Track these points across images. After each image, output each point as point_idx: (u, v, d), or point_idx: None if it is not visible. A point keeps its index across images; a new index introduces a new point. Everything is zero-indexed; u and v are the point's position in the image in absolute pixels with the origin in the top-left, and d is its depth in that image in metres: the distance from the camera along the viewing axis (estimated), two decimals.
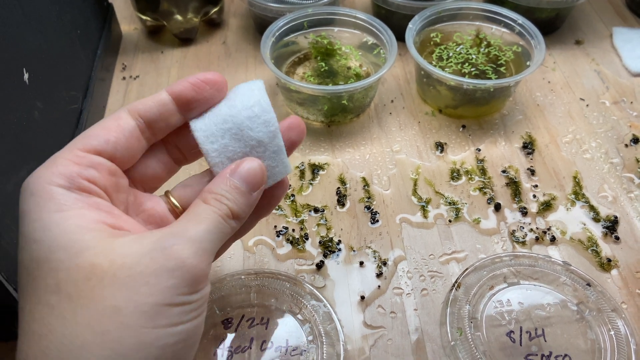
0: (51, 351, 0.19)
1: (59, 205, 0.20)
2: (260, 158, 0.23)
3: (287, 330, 0.34)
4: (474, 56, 0.48)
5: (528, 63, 0.46)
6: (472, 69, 0.47)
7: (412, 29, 0.48)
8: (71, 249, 0.20)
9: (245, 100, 0.23)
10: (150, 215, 0.25)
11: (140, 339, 0.20)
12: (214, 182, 0.23)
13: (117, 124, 0.23)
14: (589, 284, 0.36)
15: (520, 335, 0.34)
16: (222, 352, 0.33)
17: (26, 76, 0.34)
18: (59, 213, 0.20)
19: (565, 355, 0.33)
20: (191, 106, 0.24)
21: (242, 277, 0.37)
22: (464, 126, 0.47)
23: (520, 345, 0.33)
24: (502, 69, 0.47)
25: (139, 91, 0.51)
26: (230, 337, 0.34)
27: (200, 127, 0.23)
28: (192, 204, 0.23)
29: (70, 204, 0.21)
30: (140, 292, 0.20)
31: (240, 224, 0.24)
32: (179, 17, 0.54)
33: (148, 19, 0.55)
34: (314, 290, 0.36)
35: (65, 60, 0.42)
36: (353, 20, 0.50)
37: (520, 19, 0.49)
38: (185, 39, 0.56)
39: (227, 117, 0.23)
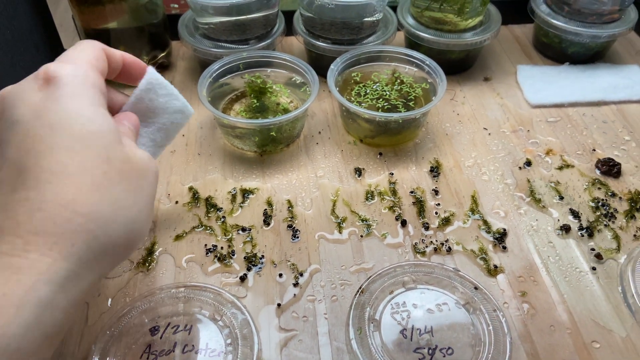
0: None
1: (103, 104, 0.30)
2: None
3: (208, 335, 0.38)
4: (387, 92, 0.55)
5: (433, 98, 0.53)
6: (385, 104, 0.54)
7: (333, 70, 0.55)
8: (116, 134, 0.30)
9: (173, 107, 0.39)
10: None
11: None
12: (124, 117, 0.35)
13: (103, 66, 0.32)
14: (475, 287, 0.41)
15: (412, 332, 0.39)
16: (148, 355, 0.37)
17: None
18: (103, 108, 0.30)
19: (449, 347, 0.38)
20: (125, 77, 0.36)
21: (172, 290, 0.41)
22: (380, 154, 0.54)
23: (411, 340, 0.38)
24: (411, 103, 0.54)
25: None
26: (156, 342, 0.38)
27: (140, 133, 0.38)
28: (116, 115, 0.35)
29: (104, 105, 0.31)
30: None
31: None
32: None
33: None
34: (235, 299, 0.40)
35: None
36: (283, 62, 0.56)
37: (428, 60, 0.56)
38: None
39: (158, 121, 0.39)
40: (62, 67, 0.29)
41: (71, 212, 0.26)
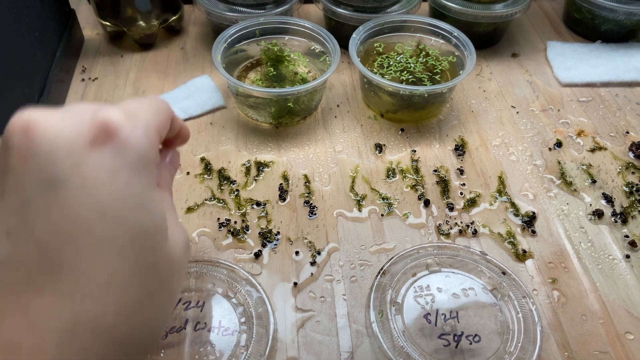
0: None
1: (155, 181, 0.24)
2: None
3: (221, 312, 0.36)
4: (412, 65, 0.52)
5: (461, 72, 0.50)
6: (410, 77, 0.51)
7: (355, 38, 0.51)
8: (165, 230, 0.24)
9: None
10: None
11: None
12: (169, 156, 0.30)
13: (164, 135, 0.26)
14: (503, 272, 0.39)
15: (436, 317, 0.37)
16: None
17: None
18: (155, 189, 0.24)
19: (476, 335, 0.36)
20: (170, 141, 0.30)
21: None
22: (402, 129, 0.51)
23: (436, 326, 0.36)
24: (437, 77, 0.51)
25: (96, 92, 0.54)
26: None
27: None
28: None
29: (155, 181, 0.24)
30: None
31: None
32: (142, 23, 0.57)
33: (108, 24, 0.57)
34: (249, 276, 0.38)
35: (22, 59, 0.44)
36: (302, 29, 0.53)
37: (456, 32, 0.53)
38: (145, 45, 0.59)
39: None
40: (127, 126, 0.22)
41: (107, 340, 0.21)
